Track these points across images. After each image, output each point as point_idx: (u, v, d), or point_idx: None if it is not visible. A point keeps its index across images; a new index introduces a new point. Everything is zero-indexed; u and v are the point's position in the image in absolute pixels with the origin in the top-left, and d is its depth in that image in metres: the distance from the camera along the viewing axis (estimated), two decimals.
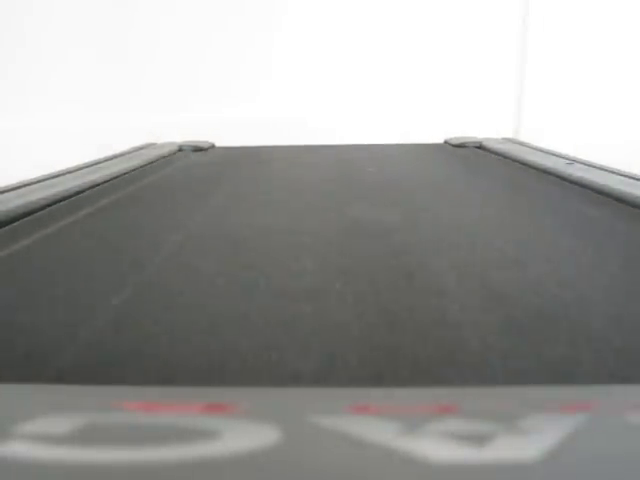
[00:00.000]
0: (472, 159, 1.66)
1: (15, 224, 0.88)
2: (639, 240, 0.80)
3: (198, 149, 1.89)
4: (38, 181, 1.15)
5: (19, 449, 0.27)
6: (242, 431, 0.28)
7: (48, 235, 0.83)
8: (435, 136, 1.97)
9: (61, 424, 0.29)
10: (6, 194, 1.02)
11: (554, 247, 0.78)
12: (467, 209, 1.01)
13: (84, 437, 0.29)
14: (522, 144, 1.83)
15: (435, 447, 0.27)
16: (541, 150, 1.60)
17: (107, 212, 1.00)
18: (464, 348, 0.45)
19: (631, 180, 1.09)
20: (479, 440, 0.27)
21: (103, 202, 1.06)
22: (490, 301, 0.55)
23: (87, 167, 1.38)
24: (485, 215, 0.97)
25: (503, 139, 1.95)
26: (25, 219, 0.90)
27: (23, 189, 1.07)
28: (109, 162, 1.49)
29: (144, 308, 0.57)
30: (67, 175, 1.26)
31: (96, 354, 0.47)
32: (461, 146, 1.86)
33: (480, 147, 1.82)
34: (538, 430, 0.29)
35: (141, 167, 1.48)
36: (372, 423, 0.29)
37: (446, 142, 1.95)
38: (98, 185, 1.20)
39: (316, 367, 0.43)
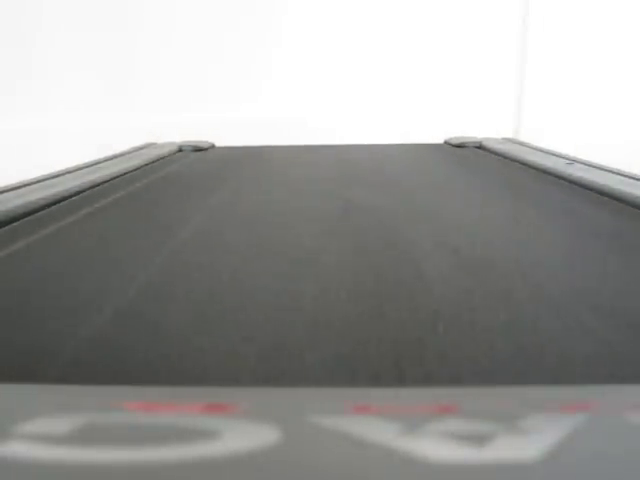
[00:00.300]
0: (472, 159, 1.65)
1: (15, 224, 0.88)
2: (638, 240, 0.80)
3: (198, 149, 1.89)
4: (38, 181, 1.15)
5: (19, 449, 0.27)
6: (242, 431, 0.28)
7: (48, 235, 0.83)
8: (435, 136, 1.97)
9: (61, 424, 0.29)
10: (6, 194, 1.02)
11: (553, 247, 0.78)
12: (466, 209, 1.01)
13: (84, 437, 0.28)
14: (522, 144, 1.83)
15: (435, 447, 0.27)
16: (541, 150, 1.60)
17: (107, 212, 1.00)
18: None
19: (631, 180, 1.09)
20: (479, 440, 0.27)
21: (103, 202, 1.06)
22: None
23: (87, 167, 1.38)
24: (484, 215, 0.97)
25: (503, 139, 1.94)
26: (25, 219, 0.90)
27: (23, 189, 1.07)
28: (109, 162, 1.49)
29: (145, 308, 0.57)
30: (67, 175, 1.26)
31: (95, 352, 0.47)
32: (461, 146, 1.86)
33: (480, 147, 1.82)
34: (538, 430, 0.29)
35: (141, 167, 1.48)
36: (372, 423, 0.29)
37: (446, 142, 1.95)
38: (98, 185, 1.20)
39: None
